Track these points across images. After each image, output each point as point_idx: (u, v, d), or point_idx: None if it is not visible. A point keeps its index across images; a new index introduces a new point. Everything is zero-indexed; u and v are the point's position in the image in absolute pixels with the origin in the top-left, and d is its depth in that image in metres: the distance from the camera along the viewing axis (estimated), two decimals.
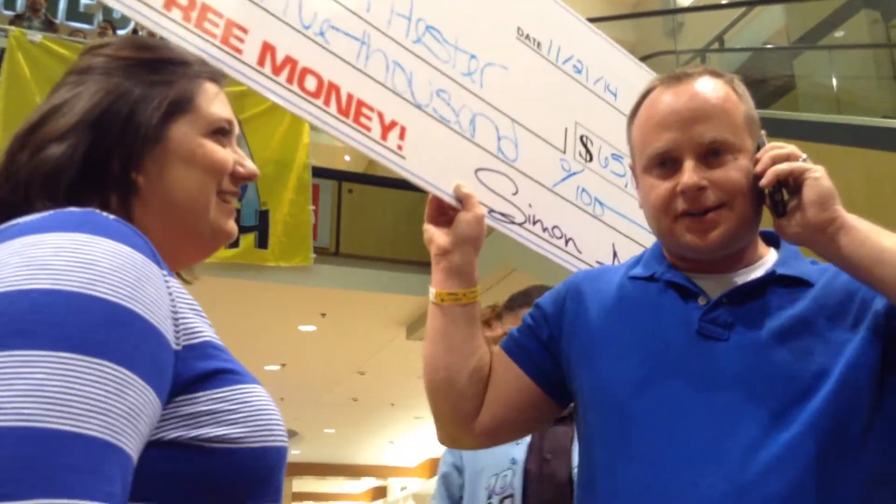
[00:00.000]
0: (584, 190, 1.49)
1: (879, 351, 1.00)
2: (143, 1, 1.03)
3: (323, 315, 7.10)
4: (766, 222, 1.12)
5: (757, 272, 1.10)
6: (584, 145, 1.52)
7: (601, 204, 1.53)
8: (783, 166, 1.02)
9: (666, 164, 1.07)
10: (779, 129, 4.26)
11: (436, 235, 1.19)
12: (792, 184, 1.03)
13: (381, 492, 19.63)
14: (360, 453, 15.26)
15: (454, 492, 2.20)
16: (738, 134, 1.07)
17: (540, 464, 1.98)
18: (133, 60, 0.85)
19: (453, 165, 1.27)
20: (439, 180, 1.22)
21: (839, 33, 5.92)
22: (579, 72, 1.54)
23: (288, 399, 10.05)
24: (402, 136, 1.23)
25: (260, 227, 6.16)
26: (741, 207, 1.05)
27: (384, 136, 1.21)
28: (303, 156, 6.39)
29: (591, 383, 1.10)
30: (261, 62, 1.10)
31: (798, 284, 1.07)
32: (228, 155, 0.88)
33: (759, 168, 1.05)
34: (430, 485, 14.20)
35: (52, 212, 0.71)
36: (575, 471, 1.89)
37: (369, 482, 19.35)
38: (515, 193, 1.35)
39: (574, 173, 1.48)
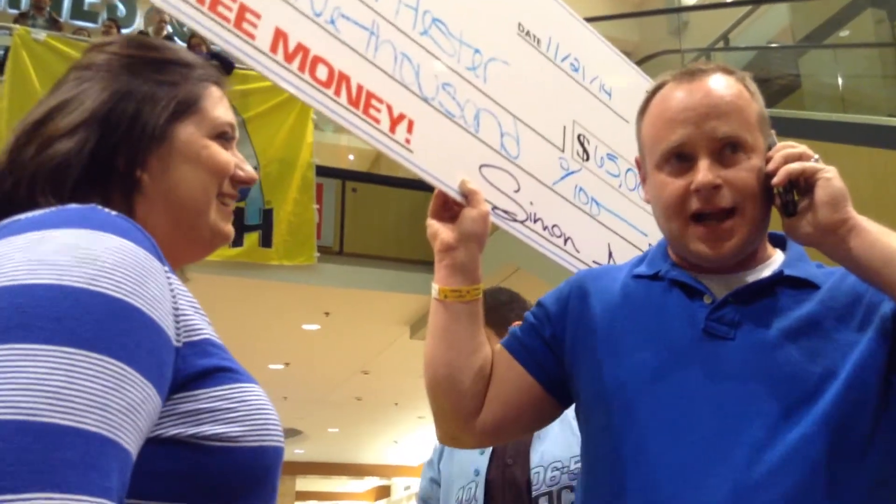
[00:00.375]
0: (581, 189, 1.49)
1: (887, 353, 0.99)
2: None
3: (327, 314, 7.10)
4: (774, 224, 1.12)
5: (763, 272, 1.09)
6: (582, 144, 1.52)
7: (597, 204, 1.53)
8: (795, 165, 1.02)
9: (679, 159, 1.06)
10: (785, 128, 4.23)
11: (440, 231, 1.18)
12: (803, 184, 1.02)
13: (384, 491, 19.65)
14: (363, 453, 15.27)
15: None
16: (752, 132, 1.06)
17: (503, 470, 1.97)
18: (139, 59, 0.86)
19: (458, 161, 1.26)
20: (445, 175, 1.21)
21: (844, 32, 5.91)
22: (576, 70, 1.54)
23: (292, 398, 10.06)
24: (409, 130, 1.22)
25: (264, 226, 6.16)
26: (753, 211, 1.05)
27: (392, 129, 1.20)
28: (307, 155, 6.39)
29: (596, 382, 1.09)
30: (273, 49, 1.10)
31: (805, 286, 1.06)
32: (230, 158, 0.89)
33: (770, 167, 1.04)
34: None
35: (54, 208, 0.71)
36: (533, 473, 1.88)
37: (373, 481, 19.36)
38: (517, 191, 1.35)
39: (572, 172, 1.48)
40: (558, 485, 1.84)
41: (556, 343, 1.15)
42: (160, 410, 0.66)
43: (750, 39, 6.83)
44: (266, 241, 6.15)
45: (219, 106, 0.89)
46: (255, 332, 7.40)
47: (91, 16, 9.45)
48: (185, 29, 9.37)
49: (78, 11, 9.46)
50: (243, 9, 1.07)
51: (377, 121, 1.19)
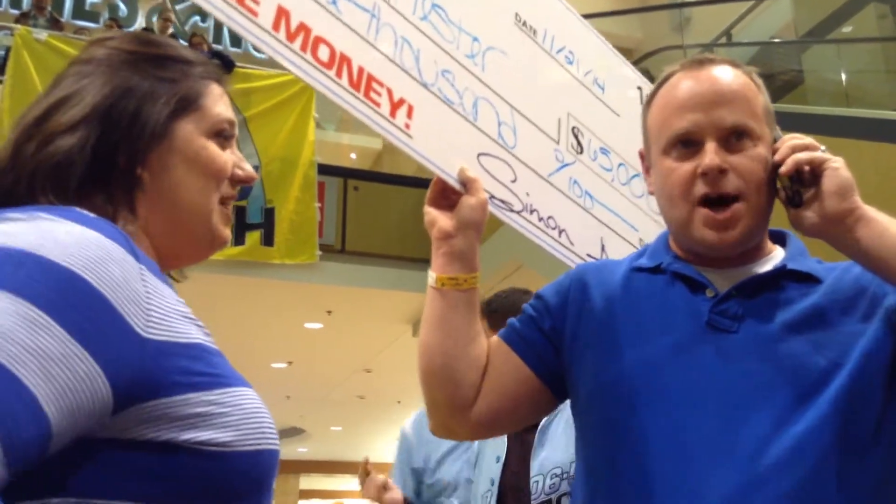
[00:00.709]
0: (575, 182, 1.49)
1: (892, 345, 0.99)
2: None
3: (329, 312, 7.10)
4: (774, 221, 1.11)
5: (765, 266, 1.09)
6: (576, 137, 1.51)
7: (591, 197, 1.53)
8: (803, 155, 1.02)
9: (686, 145, 1.06)
10: (788, 123, 4.22)
11: (438, 219, 1.17)
12: (809, 175, 1.02)
13: None
14: (367, 451, 15.26)
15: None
16: (758, 122, 1.06)
17: (511, 479, 1.99)
18: (139, 55, 0.85)
19: (457, 148, 1.26)
20: (444, 162, 1.21)
21: (847, 28, 5.89)
22: (571, 63, 1.54)
23: (294, 397, 10.07)
24: (409, 115, 1.21)
25: (265, 225, 6.16)
26: (757, 200, 1.04)
27: (393, 114, 1.20)
28: (308, 153, 6.39)
29: (598, 375, 1.08)
30: (276, 27, 1.09)
31: (807, 280, 1.06)
32: (228, 158, 0.88)
33: (778, 156, 1.04)
34: None
35: (32, 209, 0.71)
36: (532, 482, 1.89)
37: None
38: (514, 181, 1.35)
39: (567, 164, 1.48)
40: (557, 492, 1.84)
41: (555, 335, 1.15)
42: (147, 410, 0.65)
43: (753, 35, 6.81)
44: (268, 240, 6.15)
45: (219, 103, 0.88)
46: (258, 330, 7.40)
47: (92, 15, 9.45)
48: (186, 28, 9.37)
49: (79, 11, 9.47)
50: None
51: (377, 104, 1.18)
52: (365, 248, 6.88)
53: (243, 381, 0.75)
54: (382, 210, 7.14)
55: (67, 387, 0.61)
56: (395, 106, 1.20)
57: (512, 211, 1.33)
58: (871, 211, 0.99)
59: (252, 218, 6.11)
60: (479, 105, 1.32)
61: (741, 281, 1.06)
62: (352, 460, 16.16)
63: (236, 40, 9.15)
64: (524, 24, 1.44)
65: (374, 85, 1.18)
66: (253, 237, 6.10)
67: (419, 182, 6.05)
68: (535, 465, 1.91)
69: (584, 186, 1.51)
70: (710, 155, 1.03)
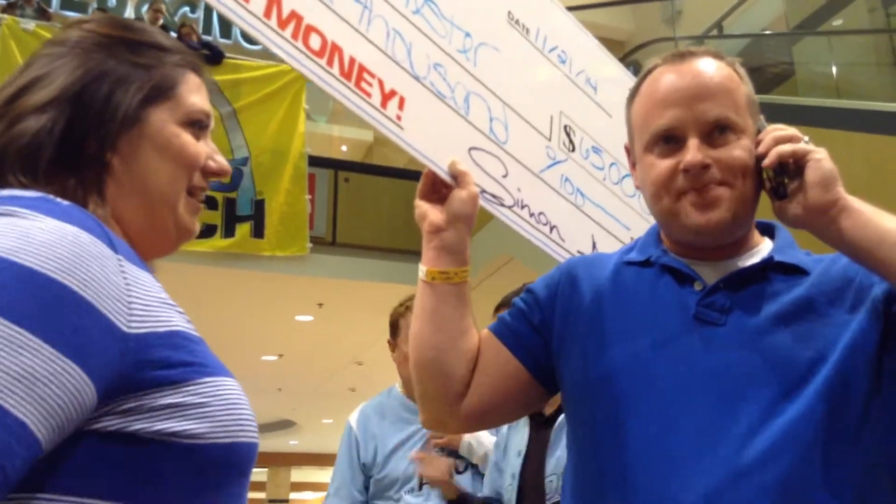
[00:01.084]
0: (567, 179, 1.49)
1: (878, 336, 0.99)
2: None
3: (320, 305, 7.10)
4: (762, 213, 1.11)
5: (752, 259, 1.09)
6: (568, 135, 1.52)
7: (582, 195, 1.53)
8: (786, 147, 1.01)
9: (669, 141, 1.06)
10: (779, 115, 4.23)
11: (429, 212, 1.16)
12: (793, 167, 1.02)
13: None
14: None
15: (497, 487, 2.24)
16: (741, 114, 1.06)
17: (530, 475, 2.00)
18: (115, 39, 0.83)
19: (448, 141, 1.25)
20: (435, 155, 1.20)
21: (838, 21, 5.91)
22: (563, 62, 1.54)
23: (286, 389, 10.07)
24: (400, 107, 1.21)
25: (256, 217, 6.14)
26: (742, 188, 1.04)
27: (384, 105, 1.19)
28: (299, 145, 6.37)
29: (586, 369, 1.08)
30: (267, 14, 1.09)
31: (795, 272, 1.06)
32: (201, 148, 0.86)
33: (761, 149, 1.04)
34: None
35: (7, 194, 0.70)
36: (546, 481, 1.89)
37: None
38: (505, 176, 1.35)
39: (559, 161, 1.48)
40: None
41: (545, 329, 1.15)
42: (104, 394, 0.64)
43: (744, 27, 6.82)
44: (258, 232, 6.13)
45: (195, 93, 0.86)
46: (248, 323, 7.39)
47: (81, 6, 9.38)
48: (175, 19, 9.32)
49: (67, 1, 9.39)
50: None
51: (368, 94, 1.18)
52: (356, 241, 6.87)
53: (225, 371, 0.75)
54: (373, 202, 7.12)
55: (57, 405, 0.60)
56: (387, 97, 1.20)
57: (503, 206, 1.33)
58: (854, 201, 0.99)
59: (242, 210, 6.09)
60: (470, 99, 1.32)
61: (728, 274, 1.06)
62: None
63: (226, 31, 9.11)
64: (517, 22, 1.44)
65: (366, 75, 1.18)
66: (243, 229, 6.09)
67: (410, 174, 6.05)
68: (551, 464, 1.93)
69: (575, 184, 1.51)
70: (693, 152, 1.02)
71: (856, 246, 0.97)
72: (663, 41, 7.10)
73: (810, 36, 6.05)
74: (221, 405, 0.70)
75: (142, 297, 0.69)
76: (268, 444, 13.53)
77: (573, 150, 1.52)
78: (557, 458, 1.92)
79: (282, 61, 1.12)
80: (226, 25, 9.01)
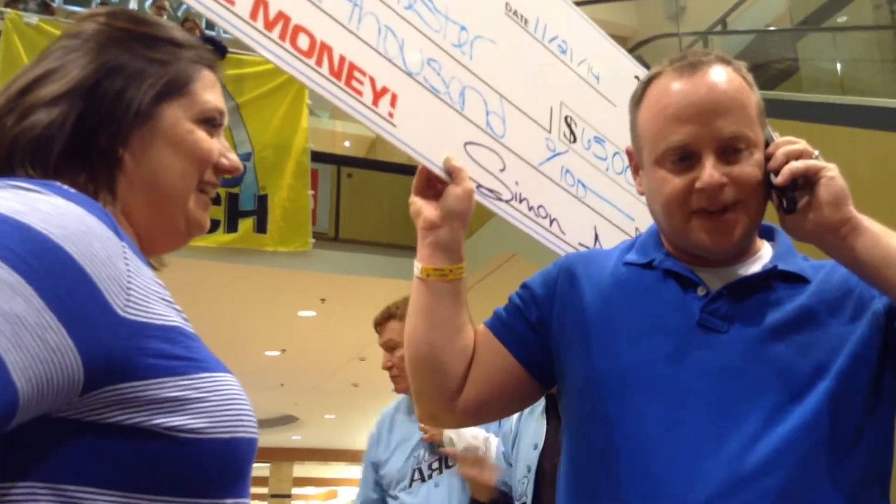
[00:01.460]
0: (567, 171, 1.48)
1: (878, 349, 1.00)
2: None
3: (322, 300, 7.09)
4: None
5: (755, 266, 1.09)
6: (569, 126, 1.51)
7: (584, 186, 1.52)
8: (799, 164, 1.01)
9: (683, 158, 1.04)
10: (783, 111, 4.23)
11: (424, 208, 1.16)
12: (802, 182, 1.01)
13: None
14: (360, 439, 15.28)
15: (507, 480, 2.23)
16: (753, 127, 1.05)
17: (547, 468, 1.99)
18: (131, 33, 0.83)
19: (443, 137, 1.24)
20: (429, 152, 1.19)
21: (843, 17, 5.89)
22: (564, 52, 1.53)
23: (288, 385, 10.07)
24: (393, 104, 1.20)
25: (258, 212, 6.14)
26: (754, 205, 1.05)
27: (375, 102, 1.18)
28: (301, 140, 6.36)
29: (587, 369, 1.08)
30: (253, 15, 1.07)
31: (796, 280, 1.07)
32: (214, 145, 0.86)
33: (773, 164, 1.03)
34: None
35: (12, 179, 0.70)
36: None
37: None
38: (503, 170, 1.33)
39: (559, 153, 1.47)
40: None
41: (542, 326, 1.14)
42: (124, 393, 0.64)
43: (748, 23, 6.80)
44: (261, 227, 6.13)
45: (209, 90, 0.86)
46: (251, 318, 7.39)
47: (84, 0, 9.38)
48: (178, 14, 9.31)
49: None
50: None
51: (359, 93, 1.17)
52: (358, 236, 6.86)
53: (222, 367, 0.74)
54: (376, 198, 7.12)
55: (38, 357, 0.59)
56: (378, 94, 1.19)
57: (500, 200, 1.32)
58: (864, 220, 1.00)
59: (245, 205, 6.09)
60: (466, 94, 1.31)
61: (732, 281, 1.06)
62: (345, 448, 16.22)
63: None
64: (515, 13, 1.43)
65: (356, 73, 1.17)
66: (246, 224, 6.09)
67: (413, 170, 5.98)
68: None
69: (576, 175, 1.50)
70: (709, 170, 1.02)
71: (865, 265, 0.98)
72: (667, 37, 7.07)
73: (815, 32, 6.03)
74: (219, 400, 0.70)
75: (141, 288, 0.69)
76: (270, 439, 13.54)
77: (574, 141, 1.51)
78: None
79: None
80: None
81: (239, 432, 0.71)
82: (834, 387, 0.98)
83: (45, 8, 7.46)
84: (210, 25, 9.06)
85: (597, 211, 1.54)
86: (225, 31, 1.09)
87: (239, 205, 6.06)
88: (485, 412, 1.18)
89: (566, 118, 1.50)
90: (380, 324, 2.56)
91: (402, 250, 6.53)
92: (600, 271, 1.14)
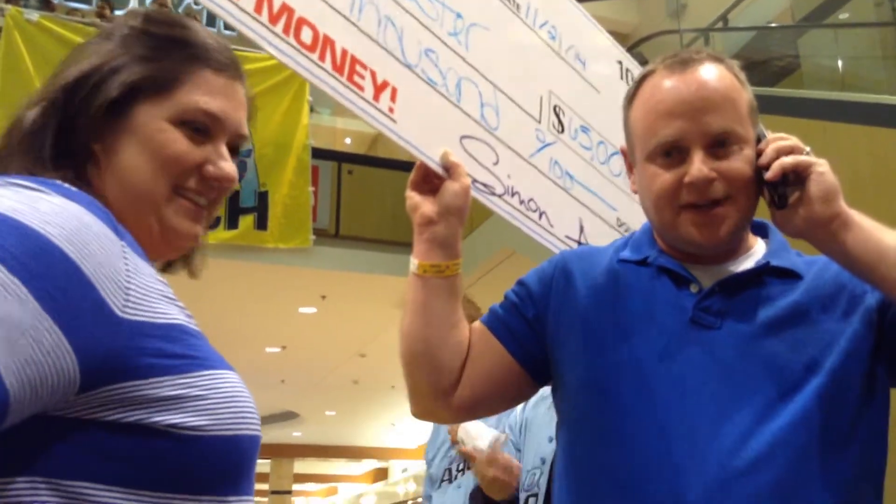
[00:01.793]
0: (556, 162, 1.48)
1: (871, 345, 1.00)
2: None
3: (323, 297, 7.10)
4: (758, 211, 1.11)
5: (748, 262, 1.10)
6: (557, 116, 1.50)
7: (571, 177, 1.51)
8: (789, 159, 1.01)
9: (672, 152, 1.05)
10: (784, 108, 4.22)
11: (421, 204, 1.16)
12: (793, 177, 1.01)
13: (382, 473, 19.77)
14: (361, 435, 15.34)
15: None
16: (744, 124, 1.06)
17: None
18: (135, 31, 0.83)
19: (440, 131, 1.24)
20: (427, 147, 1.19)
21: (844, 14, 5.89)
22: (553, 38, 1.51)
23: (289, 381, 10.09)
24: (393, 98, 1.20)
25: (259, 209, 6.14)
26: (744, 201, 1.05)
27: (377, 97, 1.18)
28: (302, 137, 6.36)
29: (581, 367, 1.08)
30: (258, 9, 1.07)
31: (789, 276, 1.07)
32: (190, 150, 0.81)
33: (763, 160, 1.03)
34: None
35: (13, 176, 0.70)
36: None
37: (371, 464, 19.48)
38: (496, 163, 1.33)
39: (548, 144, 1.46)
40: None
41: (538, 323, 1.14)
42: (120, 391, 0.64)
43: (749, 20, 6.79)
44: (261, 224, 6.13)
45: (202, 93, 0.81)
46: (252, 315, 7.39)
47: None
48: (180, 10, 9.29)
49: None
50: None
51: (361, 88, 1.17)
52: (359, 233, 6.86)
53: (224, 364, 0.74)
54: (377, 194, 7.11)
55: (31, 359, 0.59)
56: (379, 89, 1.19)
57: (493, 195, 1.32)
58: (855, 215, 1.00)
59: (245, 202, 6.09)
60: (462, 85, 1.30)
61: (724, 278, 1.06)
62: (345, 445, 16.23)
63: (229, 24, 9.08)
64: None
65: (358, 67, 1.17)
66: (246, 221, 6.09)
67: (413, 167, 5.99)
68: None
69: (563, 166, 1.49)
70: (698, 165, 1.02)
71: (856, 260, 0.98)
72: (668, 34, 7.07)
73: (816, 29, 6.03)
74: (220, 398, 0.70)
75: (141, 287, 0.69)
76: (271, 435, 13.56)
77: (562, 131, 1.50)
78: None
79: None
80: None
81: (241, 430, 0.71)
82: (826, 383, 0.98)
83: (46, 4, 7.45)
84: (211, 23, 9.05)
85: (582, 203, 1.53)
86: (227, 27, 1.09)
87: (239, 201, 6.06)
88: (480, 408, 1.19)
89: (555, 108, 1.49)
90: None
91: (403, 247, 6.53)
92: (595, 268, 1.14)
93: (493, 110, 1.35)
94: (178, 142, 0.80)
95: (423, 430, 14.33)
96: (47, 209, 0.64)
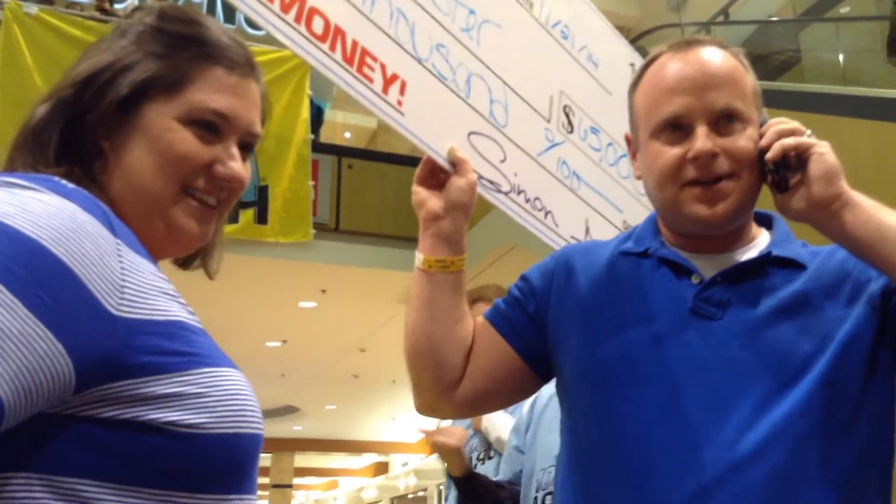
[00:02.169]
0: (564, 162, 1.47)
1: (873, 331, 1.00)
2: None
3: (323, 291, 7.10)
4: (760, 203, 1.11)
5: (750, 253, 1.09)
6: (567, 116, 1.50)
7: (578, 178, 1.51)
8: (790, 140, 1.01)
9: (676, 129, 1.05)
10: (786, 102, 4.22)
11: (427, 199, 1.15)
12: (795, 160, 1.01)
13: (383, 467, 19.81)
14: (361, 429, 15.36)
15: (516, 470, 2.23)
16: (748, 104, 1.06)
17: None
18: (149, 28, 0.82)
19: (448, 127, 1.24)
20: (435, 141, 1.19)
21: (845, 7, 5.88)
22: (566, 38, 1.51)
23: (289, 375, 10.09)
24: (402, 91, 1.19)
25: (259, 203, 6.13)
26: (748, 179, 1.04)
27: (385, 90, 1.18)
28: (302, 131, 6.35)
29: (581, 359, 1.08)
30: None
31: (792, 266, 1.06)
32: (199, 149, 0.80)
33: (764, 142, 1.03)
34: (431, 461, 14.30)
35: (10, 175, 0.70)
36: None
37: (371, 458, 19.52)
38: (503, 161, 1.33)
39: (557, 144, 1.46)
40: None
41: (539, 318, 1.14)
42: (119, 389, 0.63)
43: (750, 14, 6.78)
44: (261, 218, 6.13)
45: (213, 91, 0.80)
46: (252, 309, 7.40)
47: None
48: (179, 2, 9.27)
49: None
50: None
51: (370, 80, 1.16)
52: (359, 227, 6.86)
53: (227, 362, 0.73)
54: (377, 189, 7.12)
55: (25, 366, 0.59)
56: (388, 82, 1.18)
57: (500, 192, 1.32)
58: (856, 196, 0.99)
59: (245, 196, 6.05)
60: (472, 81, 1.30)
61: (726, 268, 1.06)
62: (346, 439, 16.25)
63: (230, 16, 9.07)
64: None
65: (368, 59, 1.16)
66: (246, 215, 6.08)
67: (414, 161, 5.98)
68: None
69: (571, 167, 1.49)
70: (702, 139, 1.02)
71: (857, 241, 0.98)
72: (669, 28, 7.06)
73: (817, 23, 6.02)
74: (221, 395, 0.69)
75: (138, 284, 0.68)
76: (271, 429, 13.57)
77: (571, 131, 1.50)
78: None
79: (285, 47, 1.10)
80: (229, 11, 8.97)
81: (242, 428, 0.70)
82: (829, 371, 0.97)
83: None
84: (229, 17, 9.03)
85: (589, 204, 1.53)
86: (225, 22, 1.08)
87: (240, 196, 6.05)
88: (483, 403, 1.19)
89: (565, 107, 1.49)
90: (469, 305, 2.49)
91: (403, 241, 6.53)
92: (597, 261, 1.14)
93: (503, 107, 1.35)
94: (187, 141, 0.79)
95: (423, 425, 14.33)
96: (39, 210, 0.63)
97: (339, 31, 1.14)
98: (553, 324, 1.13)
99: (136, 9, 0.86)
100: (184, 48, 0.81)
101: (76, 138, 0.77)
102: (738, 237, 1.10)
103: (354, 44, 1.15)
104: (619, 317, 1.07)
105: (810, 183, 0.99)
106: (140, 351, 0.66)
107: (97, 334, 0.63)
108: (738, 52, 1.10)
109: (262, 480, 15.38)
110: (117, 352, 0.64)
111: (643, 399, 1.01)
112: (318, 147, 6.64)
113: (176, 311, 0.71)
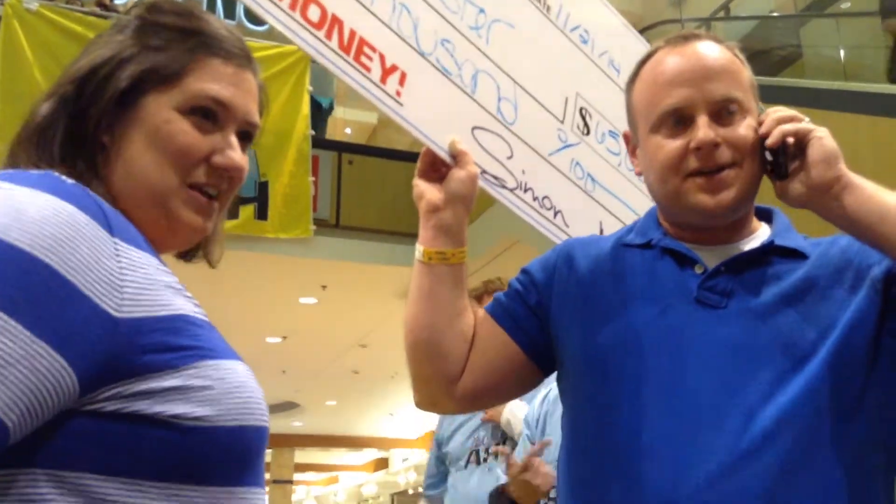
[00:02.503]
0: (577, 163, 1.47)
1: (876, 316, 1.00)
2: None
3: (324, 287, 7.10)
4: (760, 199, 1.11)
5: (752, 243, 1.10)
6: (583, 118, 1.50)
7: (593, 180, 1.51)
8: (789, 126, 1.02)
9: (677, 121, 1.05)
10: (786, 97, 4.22)
11: (427, 191, 1.16)
12: (793, 148, 1.02)
13: (383, 463, 19.81)
14: (361, 425, 15.37)
15: None
16: (746, 94, 1.07)
17: None
18: (146, 22, 0.82)
19: (450, 120, 1.24)
20: (435, 133, 1.18)
21: (846, 3, 5.87)
22: (585, 42, 1.52)
23: (289, 371, 10.09)
24: (401, 83, 1.19)
25: (259, 199, 6.12)
26: (750, 168, 1.05)
27: (384, 80, 1.18)
28: (302, 127, 6.34)
29: (584, 349, 1.08)
30: None
31: (794, 255, 1.07)
32: (197, 140, 0.80)
33: (764, 129, 1.04)
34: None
35: (10, 173, 0.70)
36: None
37: (371, 453, 19.53)
38: (510, 157, 1.33)
39: (570, 145, 1.46)
40: None
41: (541, 310, 1.14)
42: (88, 380, 0.63)
43: (751, 9, 6.77)
44: (262, 214, 6.12)
45: (209, 80, 0.81)
46: (252, 305, 7.39)
47: None
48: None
49: None
50: None
51: (368, 69, 1.16)
52: (359, 223, 6.85)
53: (232, 355, 0.74)
54: (377, 184, 7.10)
55: (28, 388, 0.59)
56: (387, 72, 1.18)
57: (504, 188, 1.31)
58: (856, 178, 1.00)
59: (245, 191, 6.07)
60: (478, 78, 1.30)
61: (730, 257, 1.06)
62: (346, 434, 16.26)
63: (230, 12, 9.06)
64: None
65: (366, 49, 1.16)
66: (246, 211, 6.08)
67: (415, 157, 5.97)
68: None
69: (586, 168, 1.49)
70: (704, 129, 1.03)
71: (858, 222, 0.98)
72: (670, 23, 7.05)
73: (818, 18, 6.01)
74: (226, 388, 0.70)
75: (138, 281, 0.68)
76: (272, 425, 13.28)
77: (587, 133, 1.50)
78: None
79: (286, 42, 1.10)
80: (229, 6, 8.97)
81: (247, 420, 0.70)
82: (832, 357, 0.98)
83: None
84: (210, 12, 9.01)
85: (604, 206, 1.53)
86: (226, 17, 1.08)
87: (240, 191, 6.04)
88: (485, 397, 1.19)
89: (581, 110, 1.49)
90: (479, 298, 2.48)
91: (404, 237, 6.53)
92: (598, 254, 1.15)
93: (511, 105, 1.34)
94: (186, 133, 0.79)
95: (423, 420, 14.37)
96: (36, 216, 0.63)
97: (336, 20, 1.14)
98: (555, 315, 1.13)
99: (135, 4, 0.86)
100: (181, 40, 0.81)
101: (78, 133, 0.77)
102: (740, 228, 1.10)
103: (352, 33, 1.15)
104: (623, 306, 1.07)
105: (810, 167, 1.00)
106: (144, 349, 0.66)
107: (98, 339, 0.64)
108: (734, 46, 1.11)
109: None
110: (120, 353, 0.65)
111: (647, 389, 1.01)
112: (318, 143, 6.62)
113: (180, 304, 0.71)
